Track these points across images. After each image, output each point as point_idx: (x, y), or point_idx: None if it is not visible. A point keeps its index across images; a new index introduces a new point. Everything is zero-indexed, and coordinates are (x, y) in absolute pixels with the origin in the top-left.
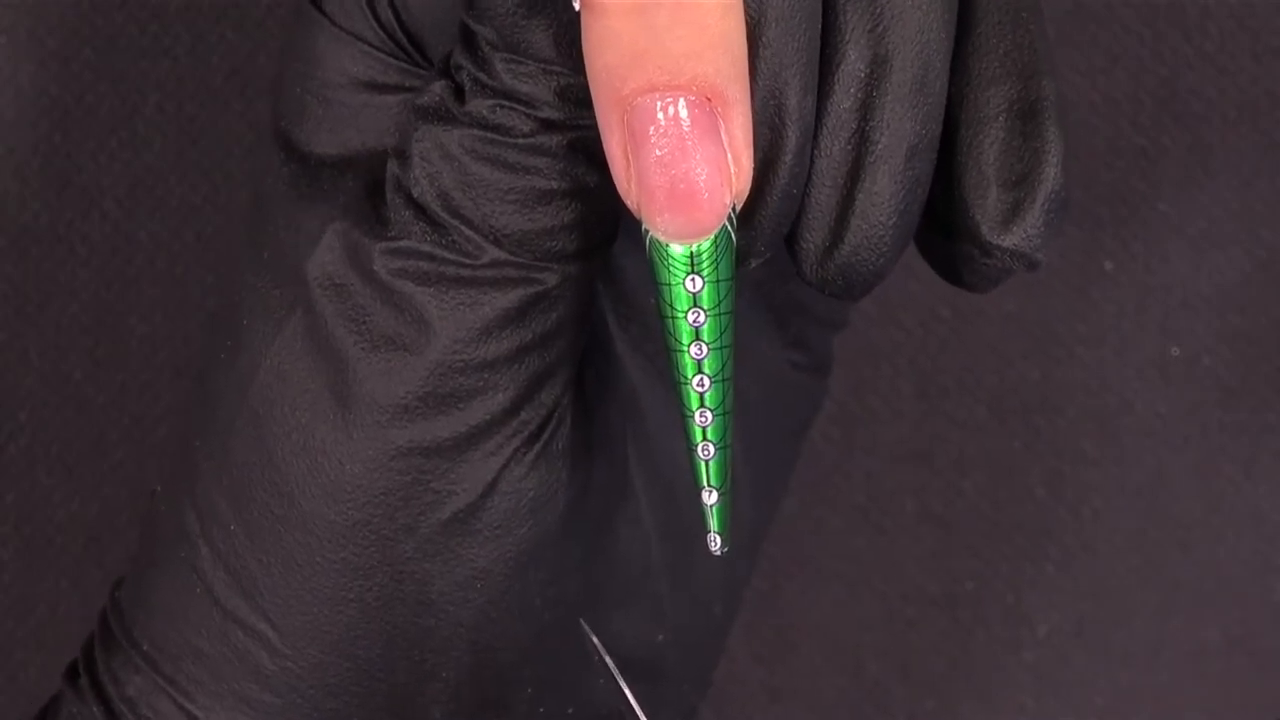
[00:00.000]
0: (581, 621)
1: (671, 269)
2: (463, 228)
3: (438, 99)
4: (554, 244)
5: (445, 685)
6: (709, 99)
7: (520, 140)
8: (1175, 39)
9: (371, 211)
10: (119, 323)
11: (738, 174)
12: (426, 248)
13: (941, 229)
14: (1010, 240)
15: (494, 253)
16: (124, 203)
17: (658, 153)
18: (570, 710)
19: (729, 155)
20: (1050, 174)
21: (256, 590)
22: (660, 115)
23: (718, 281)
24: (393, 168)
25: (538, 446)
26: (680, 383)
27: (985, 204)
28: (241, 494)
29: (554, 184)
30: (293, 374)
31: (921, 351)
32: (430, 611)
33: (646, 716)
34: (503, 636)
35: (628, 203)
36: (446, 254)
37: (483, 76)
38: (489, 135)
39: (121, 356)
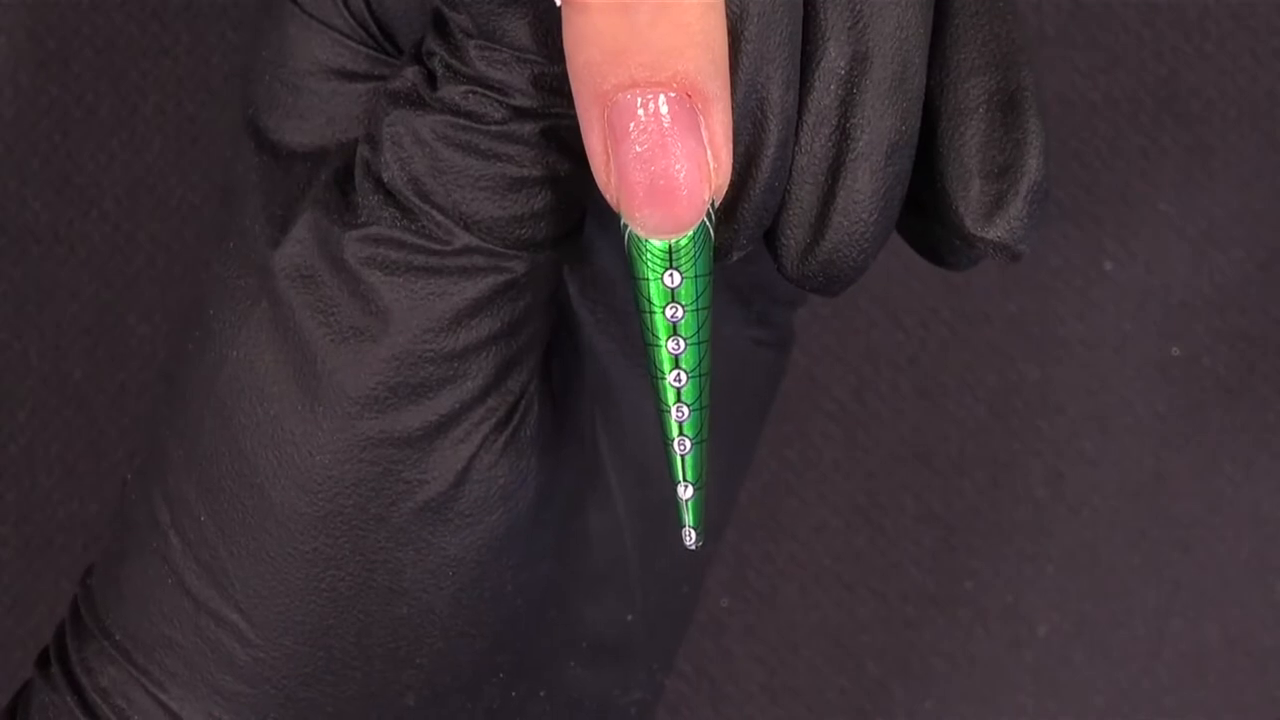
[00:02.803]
0: None
1: (650, 264)
2: (433, 213)
3: (410, 84)
4: (524, 231)
5: (419, 672)
6: (689, 95)
7: (492, 127)
8: (1175, 39)
9: (341, 199)
10: (119, 323)
11: (717, 170)
12: (396, 234)
13: (923, 217)
14: (994, 232)
15: (464, 238)
16: (124, 203)
17: (638, 149)
18: (543, 694)
19: (709, 151)
20: (1033, 164)
21: (228, 581)
22: (640, 111)
23: (696, 277)
24: (363, 152)
25: (506, 433)
26: (657, 378)
27: (968, 196)
28: (211, 485)
29: (526, 171)
30: (260, 365)
31: (921, 351)
32: (403, 600)
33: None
34: (475, 623)
35: (607, 197)
36: (416, 240)
37: (456, 63)
38: (461, 121)
39: (121, 356)
